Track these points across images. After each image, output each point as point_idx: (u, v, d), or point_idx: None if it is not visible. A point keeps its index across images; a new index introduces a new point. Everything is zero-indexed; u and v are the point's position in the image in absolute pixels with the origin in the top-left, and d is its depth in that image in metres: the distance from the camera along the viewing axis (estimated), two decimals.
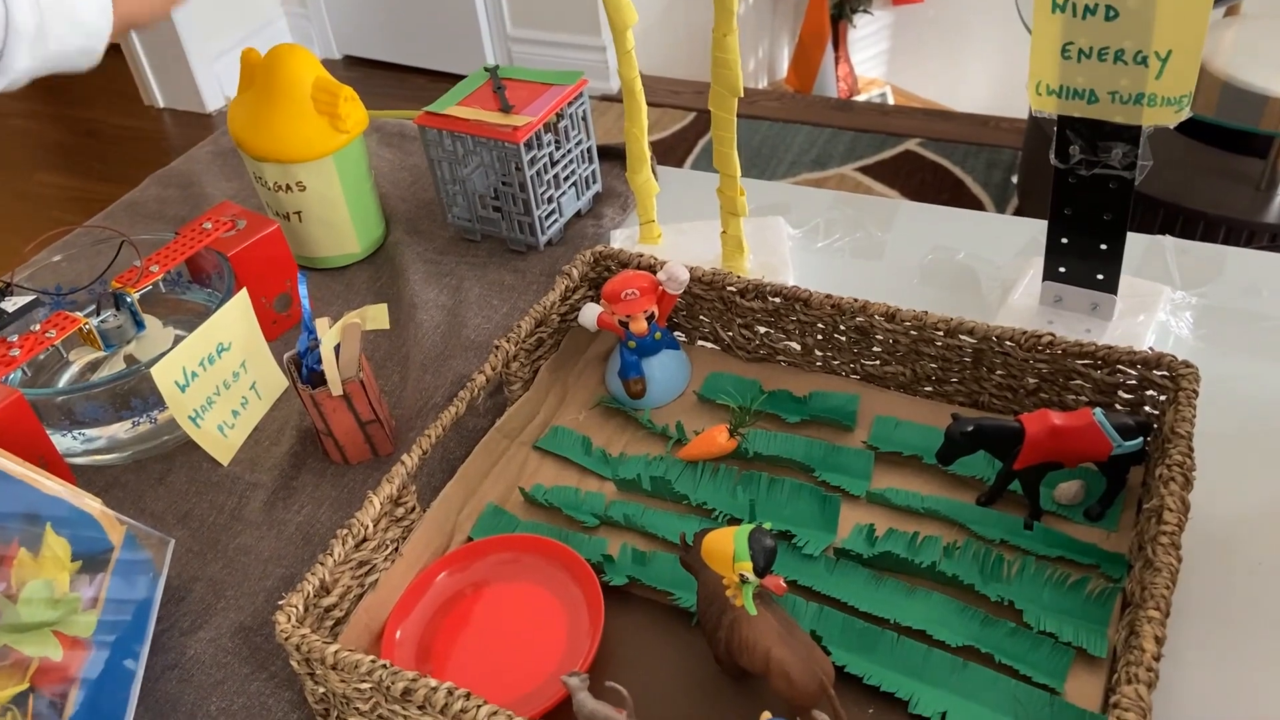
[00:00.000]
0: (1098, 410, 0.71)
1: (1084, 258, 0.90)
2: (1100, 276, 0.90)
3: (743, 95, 0.91)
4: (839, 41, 3.85)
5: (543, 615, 0.73)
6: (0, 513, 0.71)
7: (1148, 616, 0.59)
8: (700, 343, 0.95)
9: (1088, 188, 0.85)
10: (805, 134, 3.21)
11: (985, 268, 1.03)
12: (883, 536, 0.75)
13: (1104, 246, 0.88)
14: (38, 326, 0.90)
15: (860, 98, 3.93)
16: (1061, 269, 0.91)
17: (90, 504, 0.76)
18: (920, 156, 3.16)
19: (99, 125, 3.65)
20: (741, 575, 0.60)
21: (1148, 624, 0.59)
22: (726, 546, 0.60)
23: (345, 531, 0.70)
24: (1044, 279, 0.93)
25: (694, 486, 0.81)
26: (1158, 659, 0.58)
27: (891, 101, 3.91)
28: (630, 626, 0.73)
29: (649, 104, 1.04)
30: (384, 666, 0.61)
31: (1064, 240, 0.90)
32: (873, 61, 4.14)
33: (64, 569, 0.71)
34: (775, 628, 0.62)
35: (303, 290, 0.87)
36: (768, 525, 0.76)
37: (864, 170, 3.09)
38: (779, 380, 0.89)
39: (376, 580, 0.73)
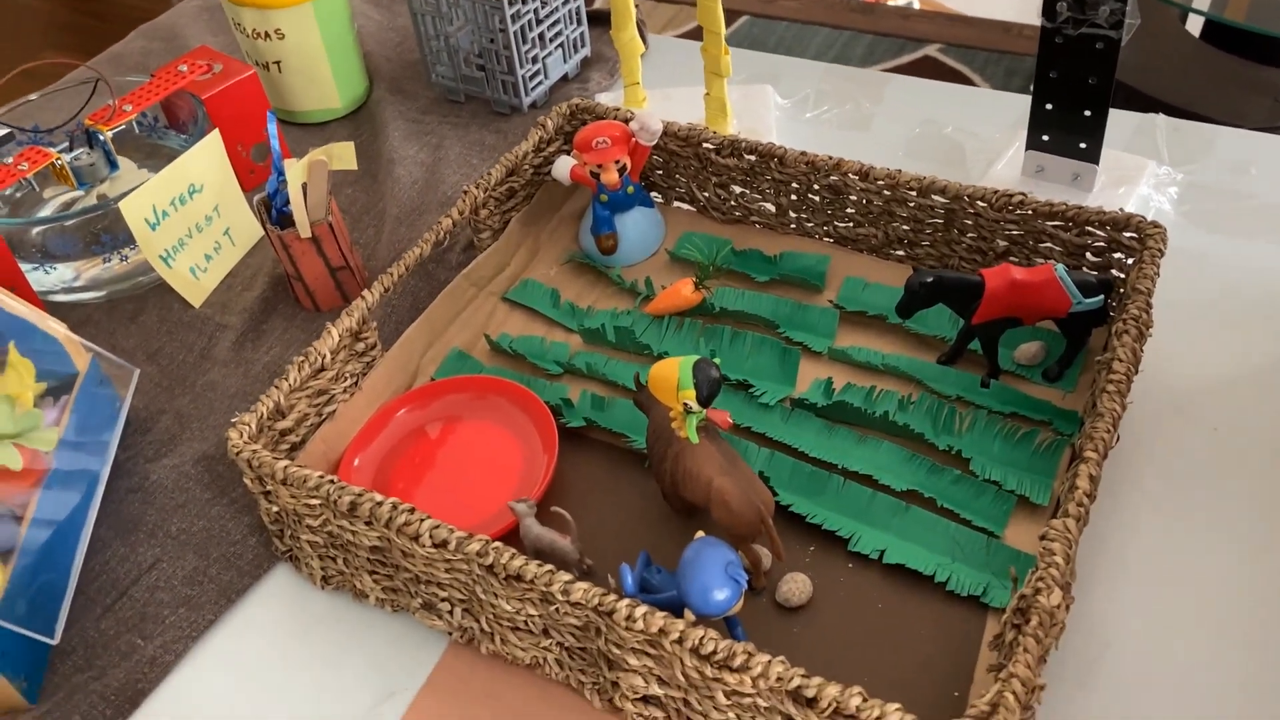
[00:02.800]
0: (1059, 266, 0.71)
1: (1067, 126, 0.88)
2: (1083, 145, 0.88)
3: None
4: None
5: (499, 453, 0.74)
6: None
7: (1085, 458, 0.60)
8: (676, 204, 0.94)
9: (1074, 49, 0.83)
10: (823, 36, 3.13)
11: (971, 141, 1.02)
12: (840, 390, 0.75)
13: (1087, 113, 0.86)
14: (10, 160, 0.89)
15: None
16: (1044, 137, 0.90)
17: (55, 327, 0.77)
18: (939, 63, 3.08)
19: (108, 7, 3.58)
20: (685, 405, 0.61)
21: (1083, 464, 0.59)
22: (671, 375, 0.60)
23: (302, 359, 0.71)
24: (1026, 148, 0.92)
25: (658, 339, 0.81)
26: (1091, 497, 0.58)
27: (917, 7, 3.80)
28: (585, 468, 0.74)
29: None
30: (331, 481, 0.62)
31: (1048, 106, 0.88)
32: None
33: (27, 388, 0.72)
34: (717, 459, 0.62)
35: (271, 130, 0.87)
36: (728, 375, 0.76)
37: None
38: (751, 241, 0.89)
39: (335, 411, 0.74)
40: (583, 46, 1.17)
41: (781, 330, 0.81)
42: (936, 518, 0.67)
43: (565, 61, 1.15)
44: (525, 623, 0.61)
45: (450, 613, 0.64)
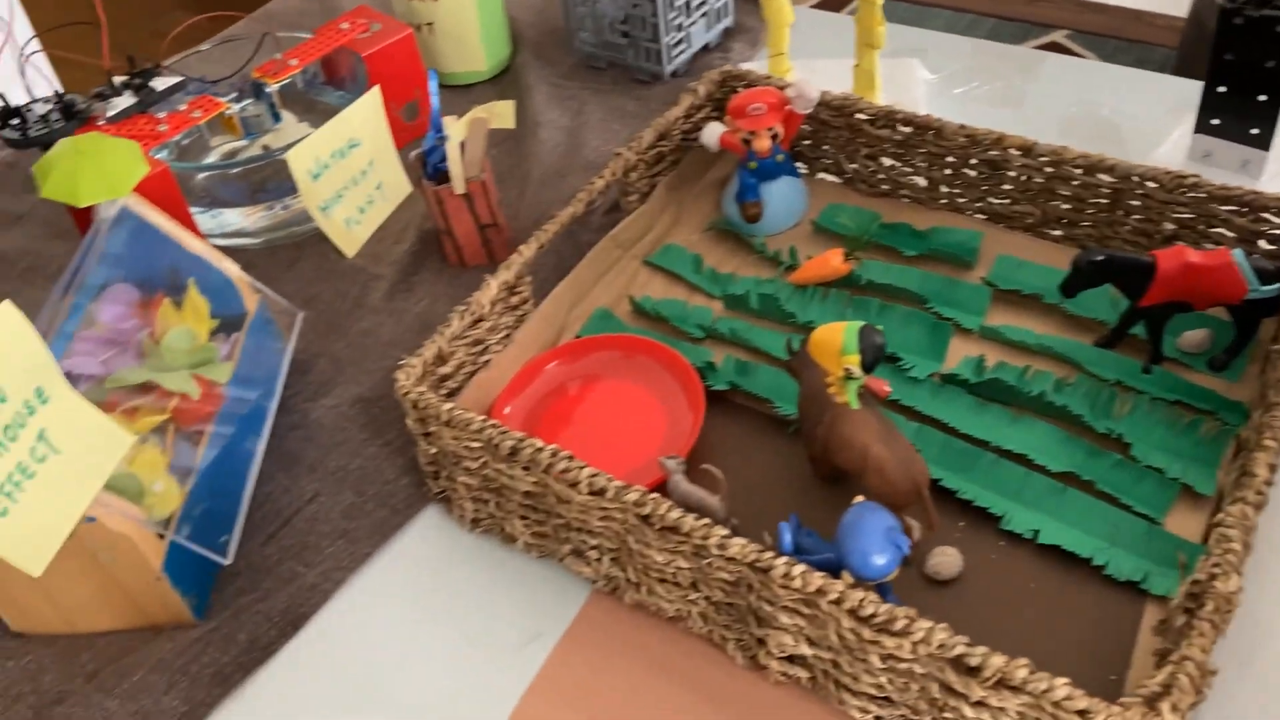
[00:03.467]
0: (1237, 251, 0.68)
1: (1240, 110, 0.85)
2: (1255, 131, 0.85)
3: None
4: None
5: (644, 411, 0.75)
6: (150, 266, 0.76)
7: (1263, 447, 0.58)
8: (821, 175, 0.94)
9: (1252, 31, 0.80)
10: (945, 19, 3.07)
11: (1130, 124, 0.99)
12: (992, 368, 0.74)
13: (1262, 98, 0.83)
14: (183, 107, 0.93)
15: None
16: (1214, 121, 0.87)
17: (229, 268, 0.80)
18: (1066, 49, 2.98)
19: None
20: (847, 370, 0.61)
21: (1262, 453, 0.58)
22: (835, 340, 0.60)
23: (463, 309, 0.73)
24: (1195, 132, 0.88)
25: (803, 308, 0.81)
26: (1269, 485, 0.56)
27: None
28: (728, 432, 0.74)
29: None
30: (494, 426, 0.64)
31: (1220, 89, 0.85)
32: None
33: (203, 323, 0.76)
34: (874, 426, 0.62)
35: (432, 87, 0.89)
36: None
37: None
38: (899, 215, 0.88)
39: (489, 360, 0.76)
40: (725, 16, 1.16)
41: (930, 305, 0.80)
42: (1094, 501, 0.66)
43: (708, 31, 1.15)
44: (674, 575, 0.62)
45: (599, 561, 0.65)
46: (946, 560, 0.63)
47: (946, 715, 0.54)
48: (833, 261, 0.81)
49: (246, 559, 0.72)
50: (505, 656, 0.66)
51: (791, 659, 0.60)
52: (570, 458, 0.61)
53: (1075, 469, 0.67)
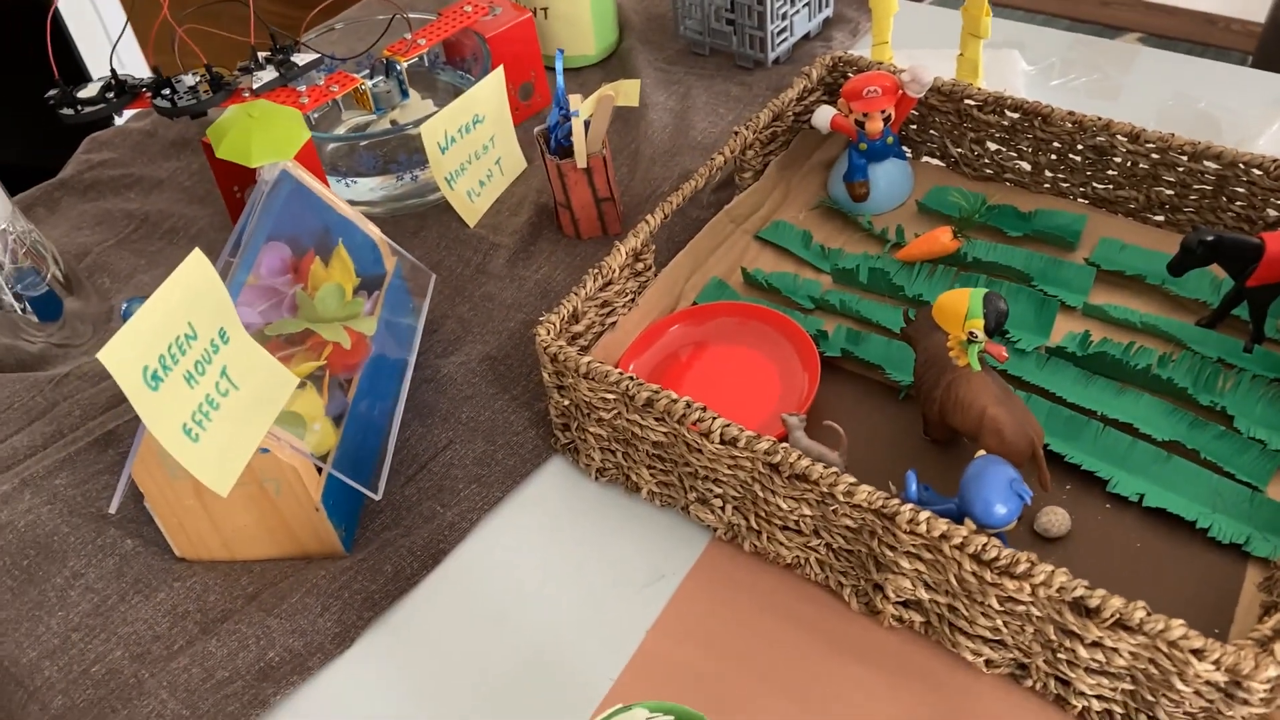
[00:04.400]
0: None
1: None
2: None
3: None
4: None
5: (761, 373, 0.79)
6: (303, 226, 0.82)
7: None
8: (926, 159, 0.97)
9: None
10: (1016, 19, 3.06)
11: (1228, 117, 1.01)
12: (1097, 343, 0.77)
13: None
14: (322, 82, 0.99)
15: None
16: None
17: (372, 230, 0.86)
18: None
19: None
20: (970, 333, 0.64)
21: None
22: (961, 304, 0.64)
23: (595, 270, 0.77)
24: None
25: (910, 282, 0.85)
26: None
27: None
28: (840, 397, 0.78)
29: None
30: (630, 378, 0.68)
31: None
32: None
33: (349, 280, 0.82)
34: (992, 389, 0.66)
35: (559, 65, 0.94)
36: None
37: None
38: (1004, 198, 0.91)
39: (615, 322, 0.81)
40: (826, 6, 1.20)
41: (1035, 283, 0.83)
42: (1198, 469, 0.69)
43: (809, 20, 1.18)
44: (797, 522, 0.66)
45: (722, 509, 0.70)
46: (1056, 519, 0.67)
47: (1060, 655, 0.58)
48: (941, 239, 0.84)
49: (389, 498, 0.77)
50: (631, 594, 0.70)
51: (906, 604, 0.64)
52: (704, 409, 0.66)
53: (1179, 438, 0.70)
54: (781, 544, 0.68)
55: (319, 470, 0.71)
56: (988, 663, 0.62)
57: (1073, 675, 0.58)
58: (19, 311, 0.93)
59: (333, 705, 0.67)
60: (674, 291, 0.86)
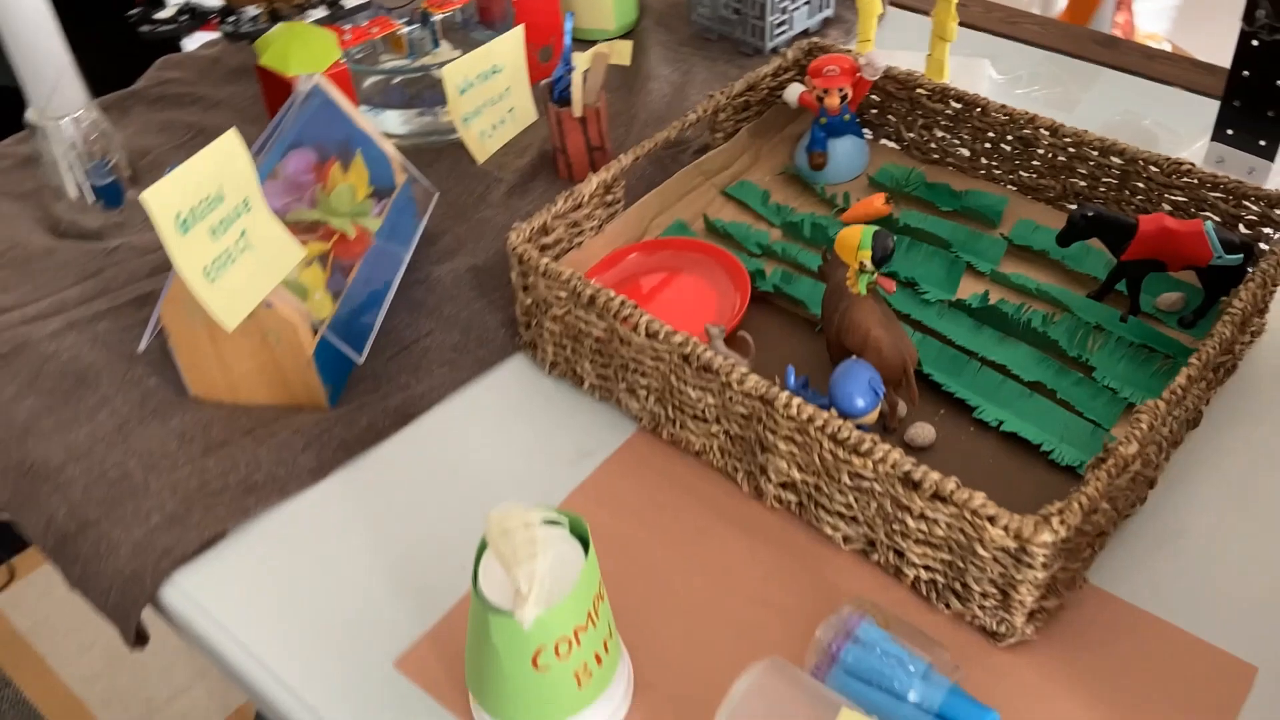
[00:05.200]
0: (1208, 222, 0.82)
1: (1251, 124, 0.97)
2: (1262, 143, 0.98)
3: None
4: (1120, 3, 3.67)
5: (702, 298, 0.92)
6: (328, 135, 0.95)
7: (1189, 364, 0.72)
8: (883, 141, 1.09)
9: (1267, 54, 0.93)
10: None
11: (1166, 135, 1.11)
12: (994, 301, 0.89)
13: (1271, 114, 0.95)
14: (365, 24, 1.14)
15: None
16: (1229, 131, 1.00)
17: (387, 148, 1.00)
18: None
19: None
20: (861, 264, 0.76)
21: (1186, 368, 0.71)
22: (854, 237, 0.76)
23: (568, 194, 0.90)
24: (1211, 140, 1.01)
25: None
26: (1184, 391, 0.70)
27: (1168, 49, 3.72)
28: (766, 326, 0.90)
29: None
30: (579, 278, 0.81)
31: (1235, 103, 0.98)
32: (1157, 15, 3.92)
33: (363, 186, 0.95)
34: (878, 314, 0.78)
35: (567, 27, 1.07)
36: (899, 274, 0.91)
37: None
38: (943, 178, 1.03)
39: (582, 243, 0.94)
40: (827, 7, 1.32)
41: (953, 250, 0.94)
42: (1054, 406, 0.80)
43: (809, 17, 1.31)
44: (703, 411, 0.78)
45: (646, 398, 0.82)
46: (922, 432, 0.79)
47: (895, 528, 0.70)
48: (875, 203, 0.96)
49: (371, 369, 0.91)
50: (560, 467, 0.83)
51: (784, 485, 0.76)
52: (635, 306, 0.78)
53: (1043, 380, 0.82)
54: (691, 431, 0.80)
55: (315, 331, 0.84)
56: (845, 539, 0.74)
57: (905, 546, 0.70)
58: (85, 197, 1.08)
59: (303, 523, 0.80)
60: (640, 226, 0.99)
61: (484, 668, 0.63)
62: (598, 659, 0.63)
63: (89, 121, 1.03)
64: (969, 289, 0.91)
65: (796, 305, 0.91)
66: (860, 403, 0.71)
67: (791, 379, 0.74)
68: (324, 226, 0.90)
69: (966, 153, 1.02)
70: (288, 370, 0.85)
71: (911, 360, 0.77)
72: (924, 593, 0.71)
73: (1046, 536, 0.62)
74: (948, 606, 0.70)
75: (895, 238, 0.95)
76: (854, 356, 0.74)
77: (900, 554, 0.71)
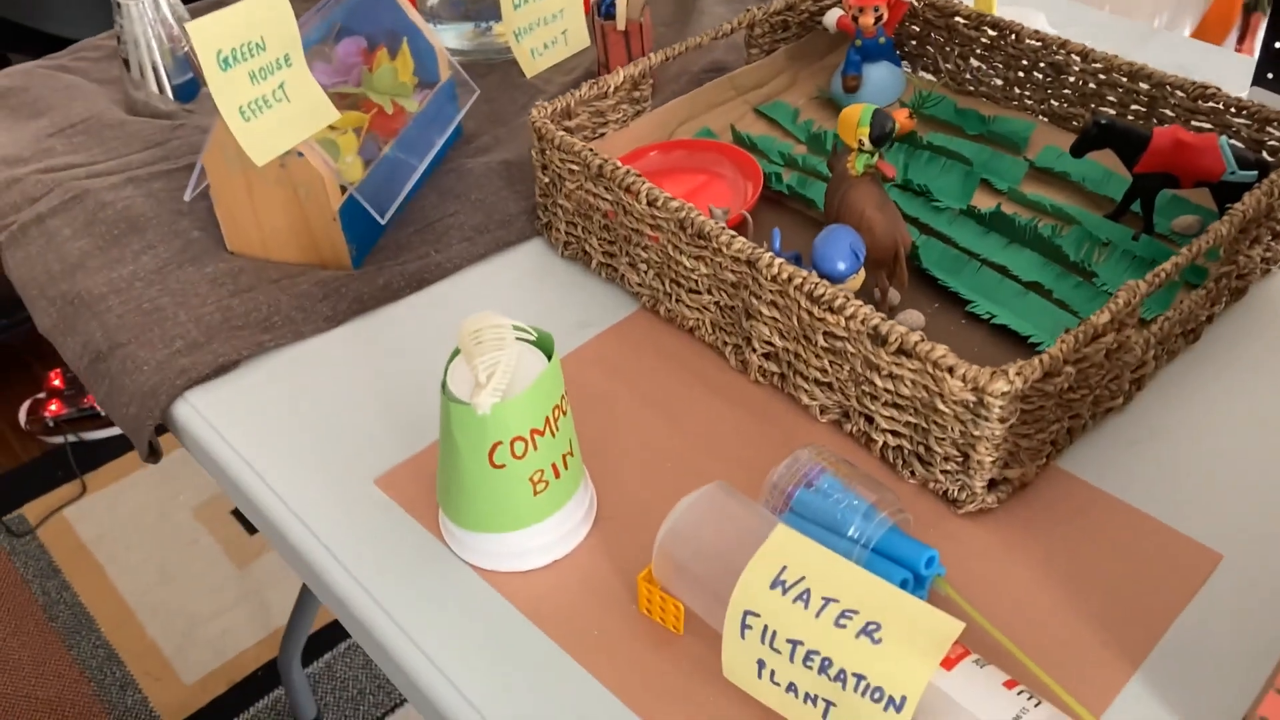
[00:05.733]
0: (1223, 137, 0.81)
1: None
2: None
3: None
4: (1245, 34, 3.57)
5: (716, 193, 0.94)
6: (380, 23, 1.01)
7: (1178, 254, 0.71)
8: (921, 73, 1.10)
9: None
10: None
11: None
12: (1007, 213, 0.89)
13: None
14: None
15: None
16: (1269, 75, 0.98)
17: (434, 40, 1.05)
18: None
19: None
20: (860, 141, 0.78)
21: (1175, 257, 0.71)
22: (854, 115, 0.78)
23: (594, 81, 0.94)
24: (1251, 84, 1.00)
25: None
26: (1165, 277, 0.70)
27: None
28: (777, 221, 0.92)
29: None
30: (590, 150, 0.84)
31: (1277, 45, 0.96)
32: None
33: (407, 72, 1.00)
34: (875, 197, 0.79)
35: None
36: (912, 181, 0.92)
37: None
38: (975, 106, 1.03)
39: (605, 135, 0.97)
40: None
41: (974, 168, 0.95)
42: (1050, 305, 0.80)
43: None
44: (696, 281, 0.80)
45: (645, 272, 0.85)
46: (911, 317, 0.79)
47: (864, 389, 0.71)
48: (899, 117, 0.97)
49: (395, 240, 0.95)
50: (561, 332, 0.86)
51: (767, 355, 0.78)
52: (639, 176, 0.81)
53: (1042, 281, 0.82)
54: (685, 305, 0.83)
55: (343, 191, 0.89)
56: (821, 409, 0.75)
57: (874, 409, 0.71)
58: (161, 82, 1.16)
59: (312, 362, 0.85)
60: (665, 130, 1.01)
61: (448, 470, 0.66)
62: (555, 471, 0.65)
63: (170, 4, 1.10)
64: (984, 204, 0.92)
65: (809, 206, 0.93)
66: (841, 265, 0.72)
67: (777, 242, 0.76)
68: (365, 101, 0.95)
69: (1000, 82, 1.02)
70: (315, 228, 0.90)
71: (905, 244, 0.78)
72: (891, 460, 0.72)
73: (1001, 385, 0.62)
74: (913, 474, 0.71)
75: (916, 152, 0.96)
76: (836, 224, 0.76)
77: (870, 419, 0.72)
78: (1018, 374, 0.63)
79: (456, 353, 0.66)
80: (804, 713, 0.55)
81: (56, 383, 2.12)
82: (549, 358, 0.65)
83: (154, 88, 1.14)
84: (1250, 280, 0.84)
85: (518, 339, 0.65)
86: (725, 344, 0.81)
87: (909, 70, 1.11)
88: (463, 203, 0.99)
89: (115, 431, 2.06)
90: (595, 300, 0.89)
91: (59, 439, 2.06)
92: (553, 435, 0.64)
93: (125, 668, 1.74)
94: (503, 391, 0.61)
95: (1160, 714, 0.59)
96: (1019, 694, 0.51)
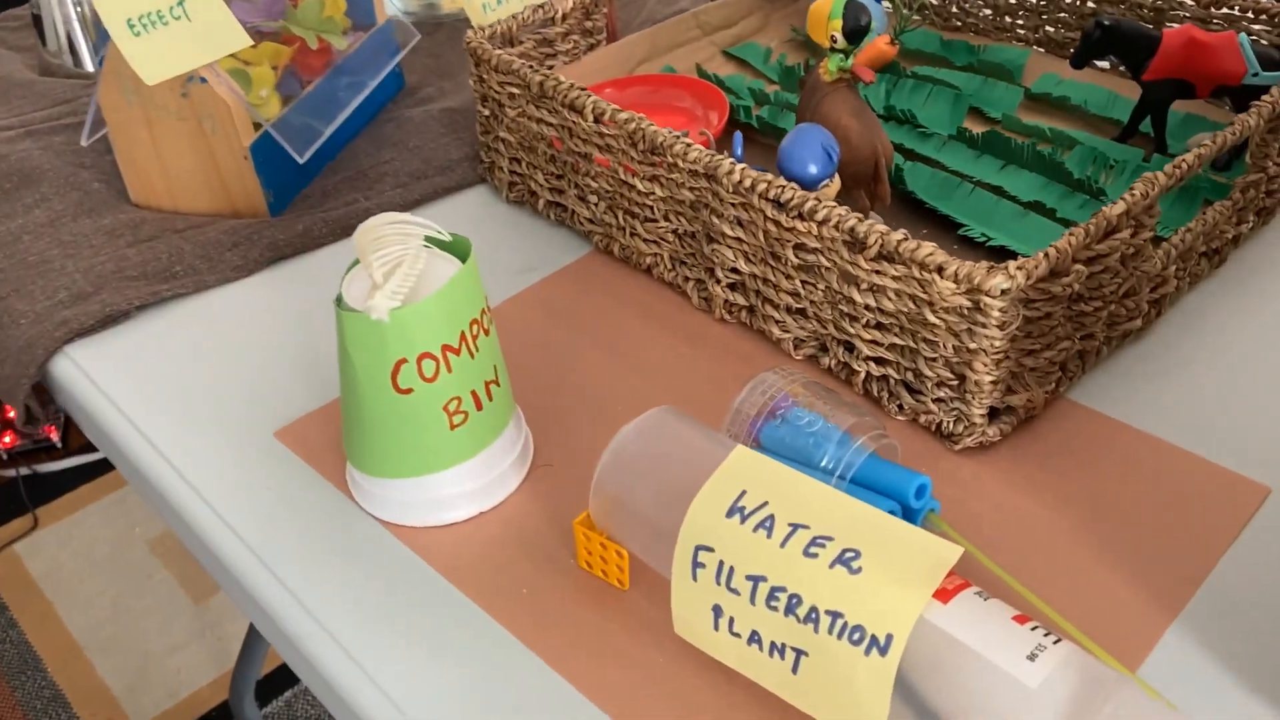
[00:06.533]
0: (1242, 35, 0.71)
1: None
2: None
3: None
4: None
5: (675, 126, 0.84)
6: None
7: (1201, 144, 0.61)
8: (904, 10, 1.01)
9: None
10: None
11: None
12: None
13: None
14: None
15: None
16: None
17: None
18: None
19: None
20: (832, 38, 0.68)
21: (1194, 151, 0.61)
22: (824, 8, 0.68)
23: (540, 5, 0.84)
24: None
25: None
26: (1189, 169, 0.60)
27: None
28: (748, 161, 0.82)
29: None
30: (529, 66, 0.75)
31: None
32: None
33: (337, 8, 0.91)
34: (850, 104, 0.69)
35: None
36: (895, 106, 0.83)
37: None
38: (964, 39, 0.94)
39: (554, 68, 0.88)
40: None
41: (963, 95, 0.85)
42: (1052, 225, 0.70)
43: None
44: (652, 208, 0.70)
45: (597, 205, 0.75)
46: None
47: (842, 309, 0.61)
48: (880, 44, 0.87)
49: (322, 188, 0.85)
50: (506, 277, 0.76)
51: (733, 286, 0.68)
52: (583, 90, 0.72)
53: (1044, 201, 0.72)
54: (641, 240, 0.73)
55: (259, 130, 0.79)
56: (795, 343, 0.65)
57: (854, 333, 0.61)
58: (76, 55, 1.07)
59: (216, 314, 0.74)
60: (625, 66, 0.92)
61: (348, 404, 0.55)
62: (476, 400, 0.55)
63: None
64: (976, 128, 0.82)
65: (779, 133, 0.83)
66: (813, 168, 0.62)
67: (739, 148, 0.66)
68: (286, 33, 0.86)
69: (989, 11, 0.93)
70: (225, 169, 0.80)
71: (886, 154, 0.68)
72: (875, 393, 0.62)
73: (1000, 281, 0.52)
74: (901, 408, 0.61)
75: (899, 79, 0.87)
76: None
77: (850, 347, 0.62)
78: (1019, 268, 0.53)
79: (356, 263, 0.56)
80: (770, 669, 0.44)
81: (11, 414, 2.01)
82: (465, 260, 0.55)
83: (67, 50, 1.05)
84: (1279, 200, 0.74)
85: (428, 241, 0.54)
86: (686, 280, 0.71)
87: (889, 10, 1.02)
88: (399, 150, 0.89)
89: (72, 463, 1.95)
90: (543, 244, 0.79)
91: (11, 472, 1.95)
92: (471, 356, 0.54)
93: (72, 709, 1.62)
94: (404, 295, 0.51)
95: (1205, 666, 0.48)
96: (1032, 629, 0.40)
